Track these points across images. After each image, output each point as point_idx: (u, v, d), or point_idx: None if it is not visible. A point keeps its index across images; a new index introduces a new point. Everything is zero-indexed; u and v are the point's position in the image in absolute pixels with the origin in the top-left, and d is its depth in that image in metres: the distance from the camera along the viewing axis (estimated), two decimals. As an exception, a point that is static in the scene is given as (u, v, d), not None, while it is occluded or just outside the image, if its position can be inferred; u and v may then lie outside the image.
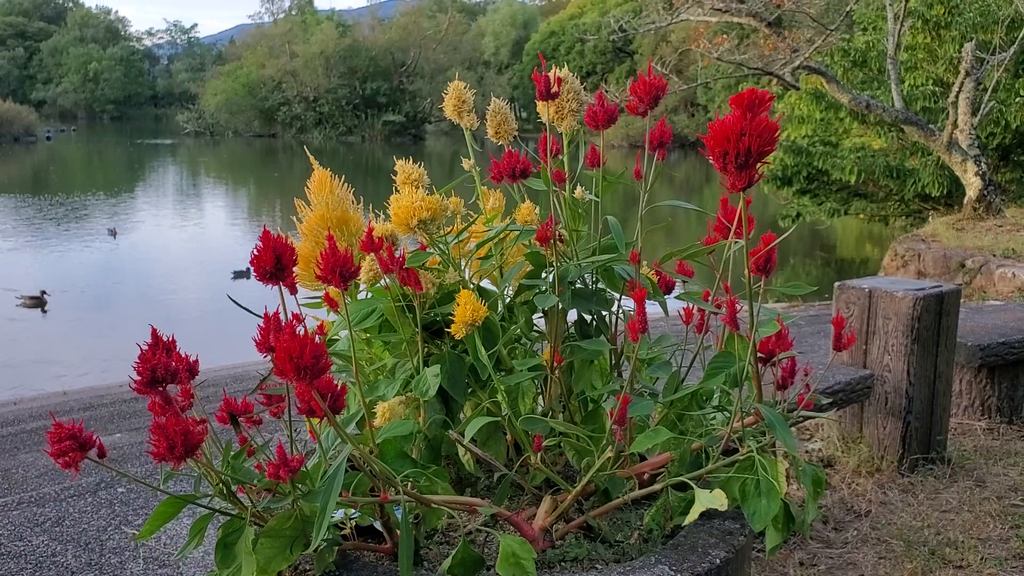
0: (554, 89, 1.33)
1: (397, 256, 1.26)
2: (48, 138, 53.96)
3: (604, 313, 1.38)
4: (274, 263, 1.09)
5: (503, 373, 1.34)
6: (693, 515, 1.09)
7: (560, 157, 1.42)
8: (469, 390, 1.34)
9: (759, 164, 1.05)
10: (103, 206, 23.45)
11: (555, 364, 1.32)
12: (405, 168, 1.39)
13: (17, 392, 8.32)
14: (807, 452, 3.82)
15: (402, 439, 1.21)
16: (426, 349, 1.33)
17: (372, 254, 1.26)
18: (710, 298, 1.31)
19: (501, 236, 1.37)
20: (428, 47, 62.61)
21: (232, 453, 1.19)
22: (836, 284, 3.71)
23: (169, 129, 70.65)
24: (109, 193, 27.47)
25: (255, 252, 1.12)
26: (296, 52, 59.78)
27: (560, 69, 1.43)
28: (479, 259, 1.41)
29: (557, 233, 1.32)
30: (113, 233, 16.67)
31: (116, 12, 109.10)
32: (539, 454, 1.23)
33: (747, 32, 13.94)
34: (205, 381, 7.26)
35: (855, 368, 3.53)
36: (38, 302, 11.55)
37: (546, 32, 66.76)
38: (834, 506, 3.38)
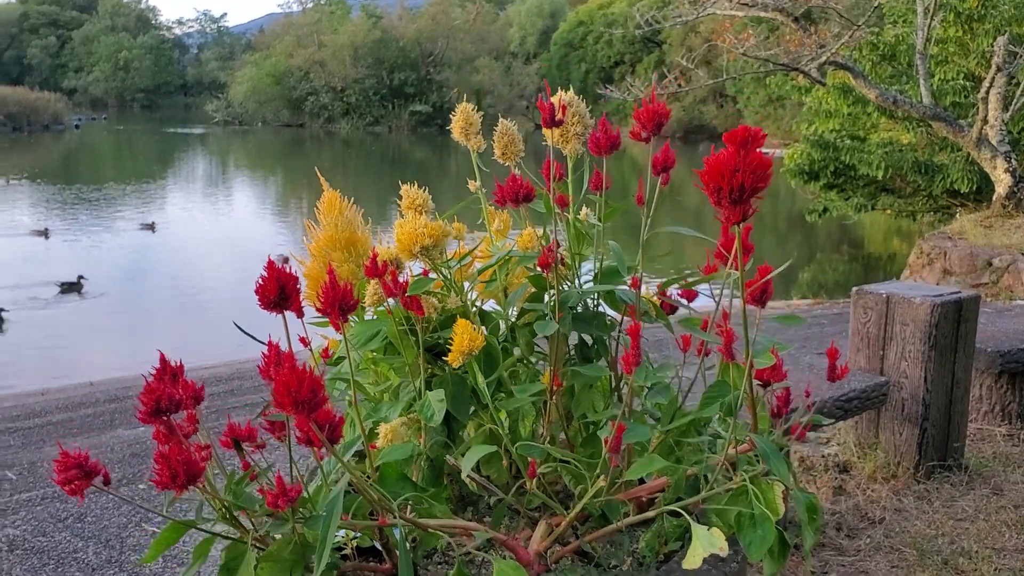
0: (559, 117, 1.35)
1: (401, 281, 1.28)
2: (77, 126, 54.51)
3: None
4: (278, 292, 1.12)
5: (504, 395, 1.36)
6: (693, 561, 1.11)
7: (564, 180, 1.43)
8: (471, 410, 1.36)
9: (753, 198, 1.07)
10: (134, 196, 23.72)
11: (555, 387, 1.34)
12: (410, 193, 1.41)
13: (47, 381, 8.47)
14: (823, 456, 3.81)
15: (403, 460, 1.24)
16: (429, 370, 1.36)
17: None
18: (710, 325, 1.32)
19: (504, 260, 1.39)
20: (456, 37, 62.58)
21: (235, 479, 1.22)
22: (854, 289, 3.69)
23: (198, 118, 71.20)
24: (140, 182, 27.77)
25: (260, 281, 1.15)
26: (324, 42, 59.99)
27: (565, 92, 1.45)
28: (483, 282, 1.43)
29: (559, 257, 1.34)
30: (151, 227, 16.80)
31: (147, 1, 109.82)
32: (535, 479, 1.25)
33: (774, 26, 13.82)
34: (233, 374, 7.35)
35: (871, 375, 3.52)
36: (75, 287, 11.72)
37: (574, 21, 66.49)
38: (848, 512, 3.37)
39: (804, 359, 5.52)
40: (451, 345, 1.30)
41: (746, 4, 9.98)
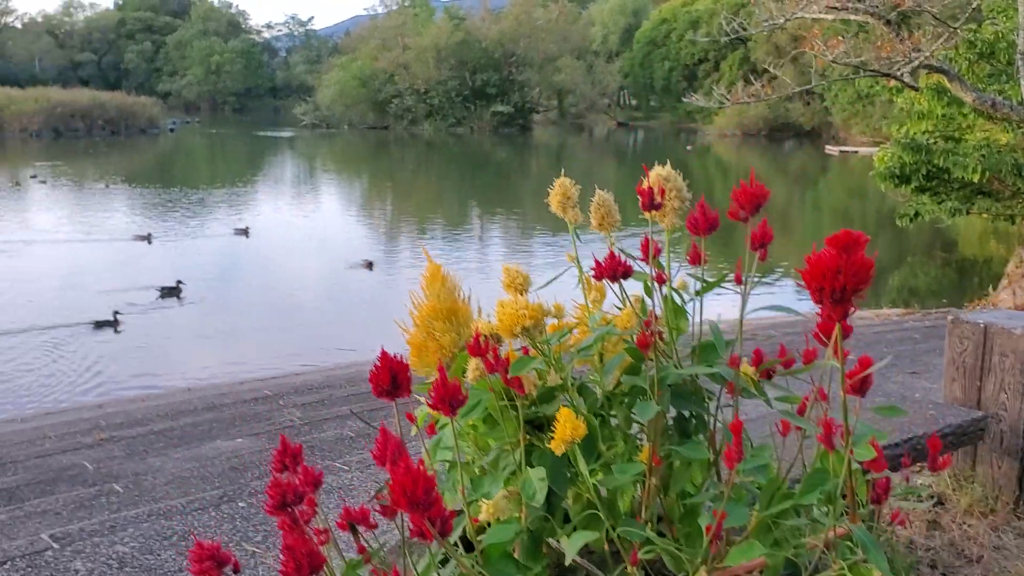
0: (658, 200, 1.37)
1: (502, 358, 1.33)
2: (171, 130, 56.39)
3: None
4: (391, 381, 1.18)
5: (603, 467, 1.39)
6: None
7: (660, 258, 1.46)
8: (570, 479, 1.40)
9: (854, 297, 1.08)
10: (227, 200, 24.47)
11: (653, 465, 1.37)
12: (510, 272, 1.46)
13: (147, 386, 8.82)
14: (916, 486, 3.73)
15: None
16: (528, 439, 1.40)
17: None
18: (808, 408, 1.32)
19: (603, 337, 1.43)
20: (538, 37, 62.72)
21: (352, 564, 1.28)
22: (949, 318, 3.60)
23: (287, 120, 72.97)
24: (233, 186, 28.63)
25: (373, 369, 1.21)
26: (408, 45, 60.82)
27: (662, 168, 1.47)
28: (579, 351, 1.47)
29: (657, 333, 1.37)
30: (245, 232, 17.31)
31: (237, 6, 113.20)
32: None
33: (865, 28, 13.46)
34: (324, 382, 7.53)
35: (968, 409, 3.43)
36: (174, 291, 12.18)
37: (657, 19, 65.98)
38: (943, 549, 3.29)
39: (895, 379, 5.40)
40: (550, 417, 1.34)
41: (835, 7, 9.76)
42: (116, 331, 10.69)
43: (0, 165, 34.63)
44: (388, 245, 18.13)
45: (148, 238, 16.44)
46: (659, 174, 1.45)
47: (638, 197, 1.39)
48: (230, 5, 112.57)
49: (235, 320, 11.66)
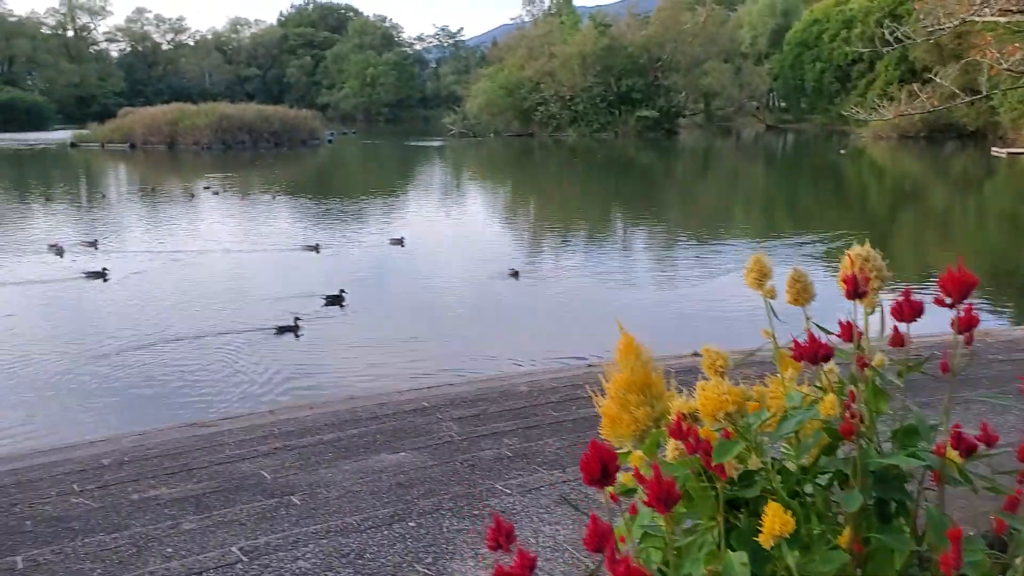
0: (862, 289, 1.38)
1: (702, 441, 1.36)
2: (330, 141, 58.82)
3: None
4: (601, 471, 1.24)
5: (803, 549, 1.40)
6: None
7: (861, 343, 1.46)
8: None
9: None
10: (381, 209, 25.38)
11: (854, 551, 1.37)
12: (710, 354, 1.49)
13: (312, 393, 9.26)
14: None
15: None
16: (725, 517, 1.43)
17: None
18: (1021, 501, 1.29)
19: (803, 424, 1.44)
20: (684, 40, 61.95)
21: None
22: None
23: (436, 130, 74.94)
24: (387, 196, 29.66)
25: (584, 457, 1.26)
26: (555, 53, 61.29)
27: (861, 247, 1.47)
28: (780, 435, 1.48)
29: (858, 415, 1.37)
30: (400, 242, 17.90)
31: (391, 20, 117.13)
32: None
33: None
34: (478, 395, 7.69)
35: None
36: (337, 300, 12.76)
37: (808, 20, 63.91)
38: None
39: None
40: (749, 496, 1.37)
41: (1010, 10, 9.22)
42: (297, 336, 11.30)
43: (176, 177, 37.13)
44: (532, 253, 18.33)
45: (316, 248, 17.25)
46: (858, 254, 1.45)
47: (842, 285, 1.40)
48: (384, 19, 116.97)
49: (391, 328, 12.07)
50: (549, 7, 73.65)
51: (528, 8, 75.26)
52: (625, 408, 1.54)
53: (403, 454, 5.78)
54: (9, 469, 6.56)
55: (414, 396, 8.41)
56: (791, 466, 1.48)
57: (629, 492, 1.59)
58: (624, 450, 1.54)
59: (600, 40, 60.95)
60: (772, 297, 1.59)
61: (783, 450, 1.53)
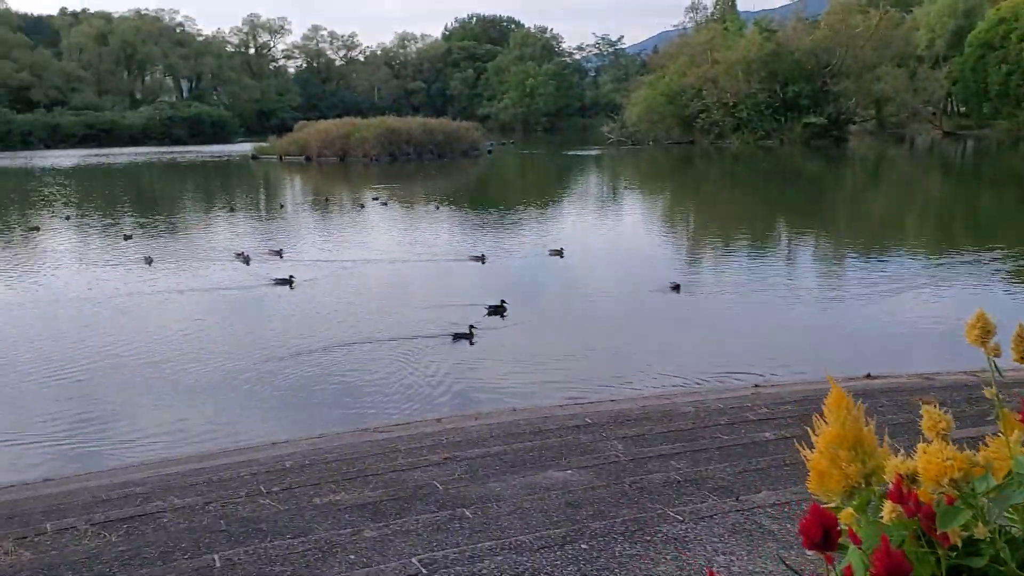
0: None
1: (923, 506, 1.33)
2: (489, 151, 59.99)
3: None
4: (822, 536, 1.23)
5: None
6: None
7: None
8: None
9: None
10: (540, 219, 25.67)
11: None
12: (932, 415, 1.45)
13: (475, 403, 9.47)
14: None
15: None
16: (944, 586, 1.38)
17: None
18: None
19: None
20: (855, 45, 59.46)
21: None
22: None
23: (594, 139, 75.10)
24: (546, 205, 29.98)
25: (804, 521, 1.26)
26: (717, 59, 60.23)
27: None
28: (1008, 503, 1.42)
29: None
30: (560, 253, 18.05)
31: (551, 30, 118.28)
32: None
33: None
34: (642, 414, 7.64)
35: None
36: (499, 310, 13.02)
37: (993, 20, 59.96)
38: None
39: None
40: (975, 567, 1.32)
41: None
42: (471, 343, 11.64)
43: (346, 188, 38.86)
44: (694, 266, 18.04)
45: (482, 258, 17.66)
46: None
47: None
48: (545, 30, 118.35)
49: (551, 340, 12.17)
50: (712, 13, 72.46)
51: (691, 15, 74.29)
52: (835, 464, 1.52)
53: (570, 472, 5.83)
54: (201, 468, 7.07)
55: (576, 412, 8.47)
56: (1017, 534, 1.42)
57: (841, 548, 1.56)
58: (832, 505, 1.52)
59: (765, 45, 59.39)
60: (997, 355, 1.53)
61: (1008, 516, 1.46)
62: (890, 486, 1.45)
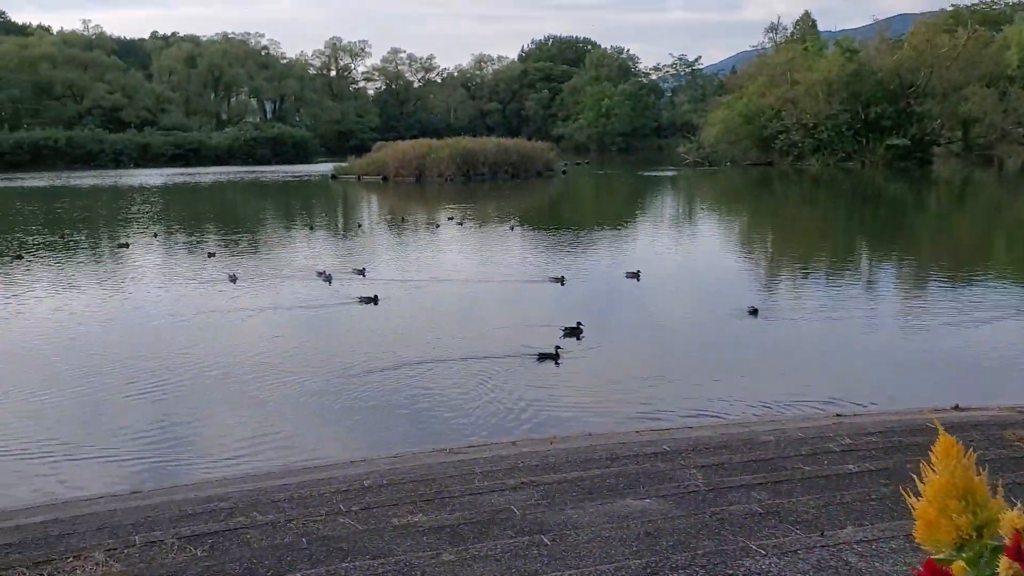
0: None
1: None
2: (564, 172, 60.07)
3: None
4: (935, 593, 1.20)
5: None
6: None
7: None
8: None
9: None
10: (616, 240, 25.59)
11: None
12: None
13: (551, 426, 9.43)
14: None
15: None
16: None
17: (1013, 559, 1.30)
18: None
19: None
20: (942, 65, 57.93)
21: None
22: None
23: (669, 159, 74.68)
24: (621, 226, 29.88)
25: (917, 574, 1.23)
26: (797, 79, 59.39)
27: None
28: None
29: None
30: (636, 276, 17.95)
31: (628, 51, 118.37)
32: None
33: None
34: (720, 443, 7.51)
35: None
36: (575, 332, 13.00)
37: (1095, 35, 57.75)
38: None
39: None
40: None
41: None
42: (557, 364, 11.67)
43: (422, 207, 39.35)
44: (772, 290, 17.71)
45: (561, 280, 17.68)
46: None
47: None
48: (621, 51, 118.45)
49: (626, 363, 12.08)
50: (792, 33, 71.48)
51: (770, 35, 73.40)
52: (944, 514, 1.47)
53: (648, 500, 5.77)
54: (282, 484, 7.20)
55: (653, 438, 8.38)
56: None
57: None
58: (940, 556, 1.48)
59: (847, 66, 58.34)
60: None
61: None
62: (1006, 540, 1.40)
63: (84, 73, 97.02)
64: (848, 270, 20.22)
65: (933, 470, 1.54)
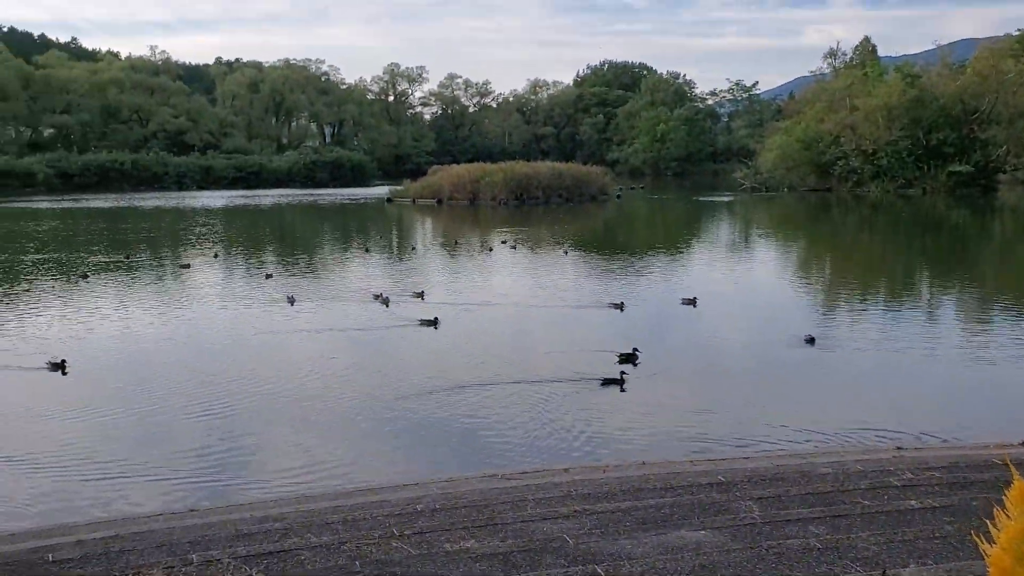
0: None
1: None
2: (618, 196, 59.93)
3: None
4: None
5: None
6: None
7: None
8: None
9: None
10: (671, 266, 25.41)
11: None
12: None
13: (600, 454, 9.35)
14: None
15: None
16: None
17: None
18: None
19: None
20: (1007, 90, 56.64)
21: None
22: None
23: (725, 184, 74.05)
24: (677, 252, 29.68)
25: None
26: (857, 105, 58.60)
27: None
28: None
29: None
30: (693, 302, 17.82)
31: (684, 76, 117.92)
32: None
33: None
34: (776, 474, 7.38)
35: None
36: (631, 358, 12.91)
37: None
38: None
39: None
40: None
41: None
42: (622, 390, 11.64)
43: (475, 231, 39.56)
44: (829, 318, 17.37)
45: (621, 306, 17.63)
46: None
47: None
48: (677, 75, 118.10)
49: (681, 391, 11.96)
50: (852, 59, 70.60)
51: (829, 60, 72.57)
52: (1020, 561, 1.43)
53: (703, 532, 5.69)
54: (336, 506, 7.25)
55: (708, 468, 8.27)
56: None
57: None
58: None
59: (908, 91, 57.41)
60: None
61: None
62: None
63: (150, 97, 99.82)
64: (908, 299, 19.79)
65: (1007, 515, 1.50)
